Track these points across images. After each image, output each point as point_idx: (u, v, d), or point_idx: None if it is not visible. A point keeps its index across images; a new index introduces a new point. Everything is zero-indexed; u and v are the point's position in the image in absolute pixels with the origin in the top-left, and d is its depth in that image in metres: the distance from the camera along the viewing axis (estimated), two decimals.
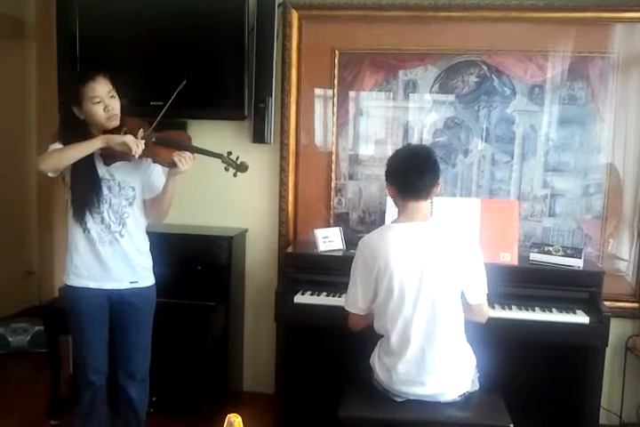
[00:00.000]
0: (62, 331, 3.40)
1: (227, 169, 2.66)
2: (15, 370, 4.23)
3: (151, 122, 2.65)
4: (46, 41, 4.04)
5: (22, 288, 5.16)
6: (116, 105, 2.60)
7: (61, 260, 4.81)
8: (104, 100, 2.57)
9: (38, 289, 5.27)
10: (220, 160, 2.65)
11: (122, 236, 2.67)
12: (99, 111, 2.57)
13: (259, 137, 3.50)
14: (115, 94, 2.61)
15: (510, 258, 3.13)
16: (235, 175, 2.66)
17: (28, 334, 4.39)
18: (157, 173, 2.74)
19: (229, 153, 2.67)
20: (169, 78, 3.43)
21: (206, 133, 3.48)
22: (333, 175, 3.57)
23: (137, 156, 2.51)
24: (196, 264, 3.42)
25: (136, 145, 2.50)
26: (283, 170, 3.57)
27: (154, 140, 2.61)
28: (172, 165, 2.62)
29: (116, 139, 2.52)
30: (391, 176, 2.52)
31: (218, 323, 3.38)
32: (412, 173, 2.46)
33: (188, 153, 2.60)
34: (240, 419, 1.77)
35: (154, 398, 3.16)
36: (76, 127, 2.62)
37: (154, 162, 2.67)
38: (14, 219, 5.08)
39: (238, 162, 2.67)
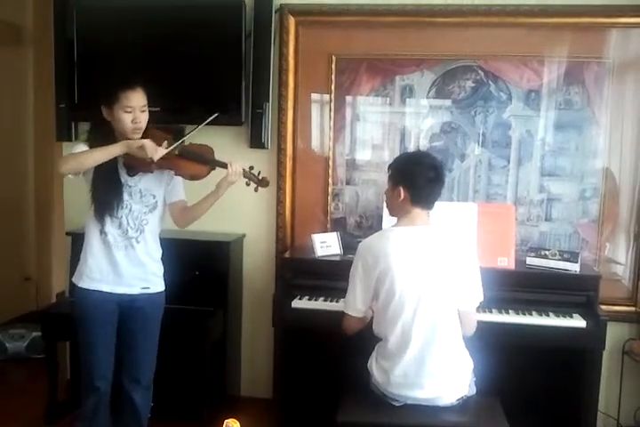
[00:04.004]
0: (60, 337, 3.41)
1: (248, 184, 2.71)
2: (12, 376, 4.22)
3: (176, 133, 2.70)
4: (44, 47, 4.05)
5: (20, 294, 5.15)
6: (144, 119, 2.63)
7: (59, 265, 4.84)
8: (135, 111, 2.59)
9: (36, 295, 5.26)
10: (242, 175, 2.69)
11: (138, 242, 2.68)
12: (126, 120, 2.58)
13: (256, 142, 3.51)
14: (146, 109, 2.64)
15: (507, 262, 3.13)
16: (256, 190, 2.72)
17: (26, 339, 4.38)
18: (178, 178, 2.76)
19: (251, 168, 2.72)
20: (166, 84, 3.47)
21: (204, 139, 3.46)
22: (330, 180, 3.58)
23: (155, 159, 2.52)
24: (193, 269, 3.42)
25: (154, 150, 2.52)
26: (280, 175, 3.58)
27: (176, 153, 2.63)
28: (194, 178, 2.67)
29: (136, 142, 2.54)
30: (411, 183, 2.48)
31: (216, 328, 3.38)
32: (437, 186, 2.52)
33: (238, 167, 2.66)
34: (238, 424, 1.78)
35: (152, 404, 3.16)
36: (100, 127, 2.66)
37: (175, 174, 2.70)
38: (12, 224, 5.08)
39: (260, 177, 2.72)
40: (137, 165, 2.60)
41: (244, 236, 3.67)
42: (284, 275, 3.25)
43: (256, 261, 3.69)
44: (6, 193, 4.95)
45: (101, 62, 3.50)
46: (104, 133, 2.64)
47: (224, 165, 2.67)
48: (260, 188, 2.73)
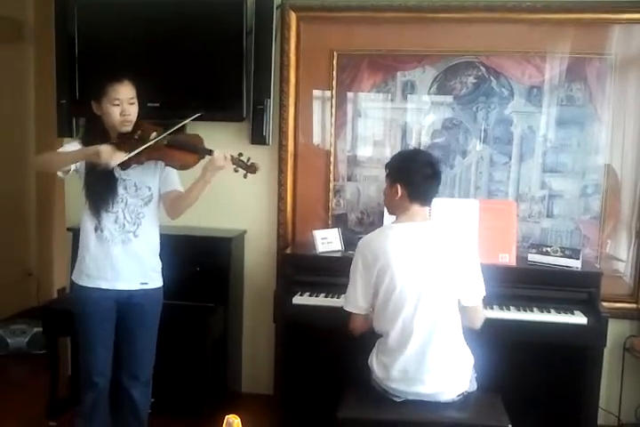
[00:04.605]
0: (61, 332, 3.41)
1: (236, 170, 2.64)
2: (14, 372, 4.23)
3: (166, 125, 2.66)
4: (45, 43, 4.04)
5: (21, 290, 5.15)
6: (133, 111, 2.63)
7: (60, 261, 4.85)
8: (123, 104, 2.59)
9: (37, 290, 5.27)
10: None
11: (136, 236, 2.68)
12: (115, 113, 2.59)
13: (257, 138, 3.50)
14: (135, 102, 2.64)
15: (509, 259, 3.13)
16: (245, 177, 2.65)
17: (27, 335, 4.39)
18: (172, 169, 2.72)
19: (240, 154, 2.66)
20: (167, 80, 3.47)
21: (205, 135, 3.45)
22: (332, 176, 3.57)
23: (111, 165, 2.48)
24: (194, 265, 3.42)
25: (109, 155, 2.46)
26: (281, 171, 3.57)
27: (165, 142, 2.61)
28: (183, 167, 2.64)
29: (90, 149, 2.50)
30: (408, 180, 2.50)
31: (216, 324, 3.38)
32: (434, 182, 2.53)
33: (225, 152, 2.60)
34: (239, 420, 1.78)
35: (152, 400, 3.15)
36: (93, 122, 2.68)
37: (165, 165, 2.68)
38: (13, 220, 5.08)
39: (249, 163, 2.64)
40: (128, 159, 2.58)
41: (245, 232, 3.67)
42: (285, 271, 3.25)
43: (257, 258, 3.69)
44: (7, 189, 4.95)
45: (102, 58, 3.49)
46: (96, 128, 2.66)
47: (212, 152, 2.62)
48: (248, 174, 2.64)
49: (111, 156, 2.47)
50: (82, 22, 3.52)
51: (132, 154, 2.53)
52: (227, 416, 1.78)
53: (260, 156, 3.52)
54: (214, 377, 3.38)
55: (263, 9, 3.41)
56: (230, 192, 3.56)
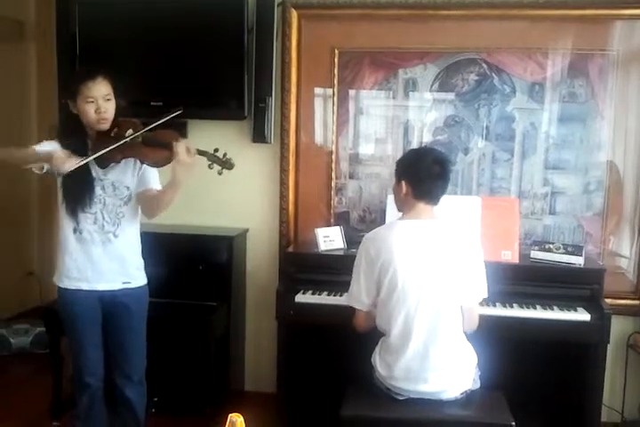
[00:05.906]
0: (63, 332, 3.38)
1: (210, 167, 2.50)
2: (17, 371, 4.22)
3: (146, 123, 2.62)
4: (46, 42, 4.05)
5: (23, 289, 5.15)
6: (109, 108, 2.57)
7: None
8: (98, 101, 2.53)
9: (39, 290, 5.26)
10: (205, 158, 2.52)
11: (116, 236, 2.65)
12: (90, 111, 2.54)
13: (259, 136, 3.50)
14: (111, 98, 2.58)
15: (511, 256, 3.12)
16: (219, 173, 2.51)
17: (30, 335, 4.39)
18: (149, 167, 2.66)
19: (216, 150, 2.53)
20: (168, 79, 3.47)
21: (206, 133, 3.47)
22: (334, 174, 3.57)
23: (61, 173, 2.42)
24: (197, 264, 3.42)
25: (61, 162, 2.38)
26: (283, 169, 3.57)
27: (140, 140, 2.57)
28: (158, 165, 2.59)
29: (44, 154, 2.43)
30: (413, 177, 2.49)
31: (219, 323, 3.38)
32: (439, 181, 2.50)
33: (185, 146, 2.49)
34: (242, 418, 1.77)
35: (155, 399, 3.15)
36: (69, 120, 2.63)
37: (141, 163, 2.63)
38: (15, 219, 5.08)
39: (224, 159, 2.51)
40: (105, 155, 2.52)
41: (247, 230, 3.67)
42: (288, 269, 3.24)
43: (259, 256, 3.69)
44: (9, 187, 4.95)
45: (104, 57, 3.48)
46: (74, 128, 2.60)
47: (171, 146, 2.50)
48: (224, 170, 2.50)
49: (63, 162, 2.39)
50: (83, 21, 3.52)
51: (86, 161, 2.46)
52: (230, 415, 1.77)
53: (261, 154, 3.56)
54: (217, 376, 3.38)
55: (264, 7, 3.40)
56: (232, 191, 3.56)
